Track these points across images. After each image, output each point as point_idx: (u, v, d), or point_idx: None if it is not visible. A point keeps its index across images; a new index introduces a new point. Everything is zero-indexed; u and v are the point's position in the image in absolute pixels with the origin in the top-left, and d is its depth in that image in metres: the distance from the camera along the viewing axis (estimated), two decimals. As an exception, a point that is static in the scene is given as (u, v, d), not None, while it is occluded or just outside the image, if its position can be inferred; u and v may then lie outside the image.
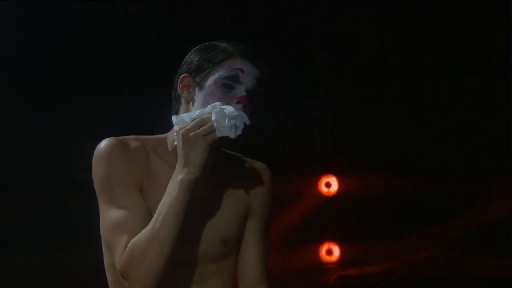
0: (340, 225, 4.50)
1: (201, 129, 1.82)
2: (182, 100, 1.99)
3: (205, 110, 1.86)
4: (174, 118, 1.89)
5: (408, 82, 4.38)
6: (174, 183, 1.84)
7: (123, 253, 1.83)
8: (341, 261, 4.55)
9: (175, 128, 1.88)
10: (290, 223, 4.45)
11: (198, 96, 1.96)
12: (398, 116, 4.40)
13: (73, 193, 3.79)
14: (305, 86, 4.39)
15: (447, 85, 4.38)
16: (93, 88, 3.92)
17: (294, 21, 4.20)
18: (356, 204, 4.48)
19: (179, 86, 1.99)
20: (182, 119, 1.87)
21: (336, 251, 4.58)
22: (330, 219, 4.53)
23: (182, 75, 1.99)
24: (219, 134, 1.81)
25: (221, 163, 2.00)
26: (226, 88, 1.93)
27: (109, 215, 1.89)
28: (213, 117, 1.82)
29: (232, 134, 1.82)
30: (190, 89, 1.97)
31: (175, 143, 1.87)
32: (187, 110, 1.97)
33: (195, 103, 1.96)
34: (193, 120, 1.84)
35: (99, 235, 1.95)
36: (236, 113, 1.83)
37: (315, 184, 4.60)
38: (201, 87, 1.95)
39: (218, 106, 1.84)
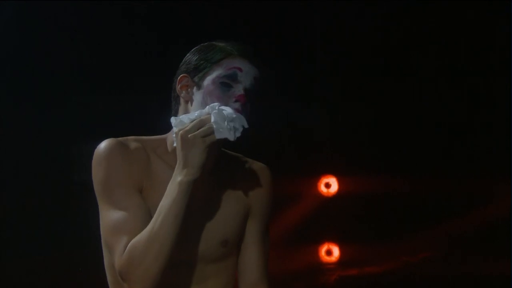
0: (339, 225, 4.50)
1: (199, 130, 1.82)
2: (181, 100, 2.00)
3: (204, 111, 1.86)
4: (172, 120, 1.89)
5: (408, 82, 4.38)
6: (173, 184, 1.84)
7: (122, 254, 1.84)
8: (340, 262, 4.55)
9: (174, 129, 1.88)
10: (290, 224, 4.45)
11: (197, 95, 1.96)
12: (398, 117, 4.40)
13: (73, 193, 3.78)
14: (305, 87, 4.38)
15: (447, 85, 4.38)
16: (93, 88, 3.92)
17: (294, 21, 4.19)
18: (355, 204, 4.48)
19: (178, 86, 1.99)
20: (181, 121, 1.87)
21: (336, 251, 4.57)
22: (329, 219, 4.53)
23: (181, 75, 1.99)
24: (218, 136, 1.82)
25: (221, 164, 2.01)
26: (224, 87, 1.93)
27: (109, 216, 1.89)
28: (212, 119, 1.82)
29: (231, 136, 1.82)
30: (189, 89, 1.98)
31: (174, 144, 1.87)
32: (186, 110, 1.97)
33: (194, 103, 1.96)
34: (192, 122, 1.84)
35: (99, 235, 1.96)
36: (235, 115, 1.83)
37: (314, 184, 4.60)
38: (199, 87, 1.96)
39: (216, 107, 1.84)
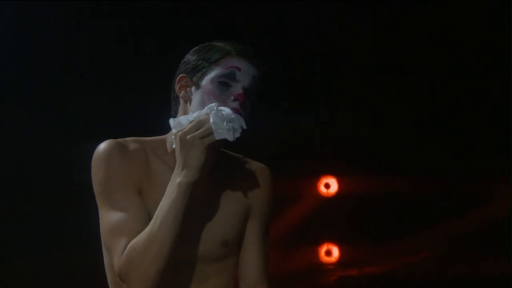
0: (339, 226, 4.50)
1: (198, 131, 1.82)
2: (180, 101, 2.00)
3: (202, 112, 1.86)
4: (171, 121, 1.89)
5: (407, 82, 4.38)
6: (173, 186, 1.84)
7: (121, 255, 1.84)
8: (340, 262, 4.55)
9: (173, 131, 1.88)
10: (290, 224, 4.45)
11: (196, 95, 1.96)
12: (398, 117, 4.40)
13: (73, 193, 3.78)
14: (304, 87, 4.38)
15: (447, 85, 4.38)
16: (93, 88, 3.92)
17: (294, 21, 4.19)
18: (355, 205, 4.48)
19: (177, 86, 1.99)
20: (180, 122, 1.87)
21: (336, 252, 4.58)
22: (329, 220, 4.54)
23: (180, 75, 1.99)
24: (217, 136, 1.81)
25: (221, 164, 2.01)
26: (222, 86, 1.93)
27: (108, 217, 1.89)
28: (211, 120, 1.81)
29: (230, 137, 1.82)
30: (188, 89, 1.98)
31: (173, 146, 1.87)
32: (185, 110, 1.97)
33: (193, 103, 1.96)
34: (190, 123, 1.84)
35: (99, 235, 1.95)
36: (233, 116, 1.83)
37: (314, 185, 4.60)
38: (198, 87, 1.96)
39: (215, 108, 1.84)
